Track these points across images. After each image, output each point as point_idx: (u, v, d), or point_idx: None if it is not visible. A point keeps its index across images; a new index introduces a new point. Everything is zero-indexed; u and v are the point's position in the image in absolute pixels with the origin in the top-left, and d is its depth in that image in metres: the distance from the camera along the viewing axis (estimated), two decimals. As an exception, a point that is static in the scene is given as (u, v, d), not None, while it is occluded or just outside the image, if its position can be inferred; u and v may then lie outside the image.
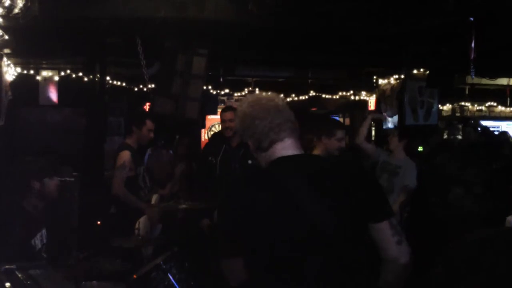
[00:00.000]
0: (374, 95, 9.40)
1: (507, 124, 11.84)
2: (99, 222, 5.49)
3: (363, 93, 10.32)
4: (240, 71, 9.21)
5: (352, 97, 10.48)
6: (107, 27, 5.43)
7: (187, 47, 5.65)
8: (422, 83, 7.29)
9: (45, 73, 7.95)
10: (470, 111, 12.20)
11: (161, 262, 3.66)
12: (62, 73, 7.94)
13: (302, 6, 4.95)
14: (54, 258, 3.40)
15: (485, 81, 9.54)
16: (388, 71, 8.17)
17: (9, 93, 6.39)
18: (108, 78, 7.66)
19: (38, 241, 3.38)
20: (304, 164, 2.01)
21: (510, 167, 7.10)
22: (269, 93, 2.17)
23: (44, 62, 7.92)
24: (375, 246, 2.02)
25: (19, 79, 7.29)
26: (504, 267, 1.34)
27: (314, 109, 11.22)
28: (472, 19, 4.82)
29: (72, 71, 7.82)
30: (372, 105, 10.15)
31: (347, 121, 11.96)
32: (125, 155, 5.04)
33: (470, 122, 8.85)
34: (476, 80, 9.37)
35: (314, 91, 10.06)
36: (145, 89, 8.21)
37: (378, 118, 8.73)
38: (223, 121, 4.93)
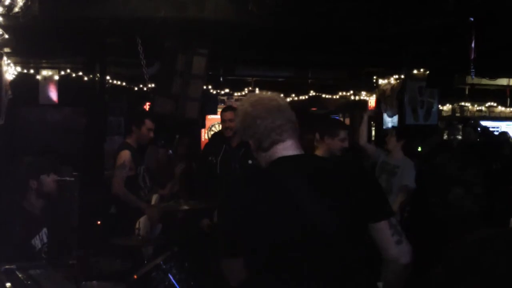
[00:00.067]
0: (374, 95, 9.40)
1: (507, 125, 11.83)
2: (99, 222, 5.49)
3: (363, 93, 10.32)
4: (240, 71, 9.21)
5: (352, 97, 10.48)
6: (107, 27, 5.43)
7: (187, 47, 5.65)
8: (422, 83, 7.29)
9: (45, 73, 7.95)
10: (470, 112, 12.20)
11: (161, 262, 3.66)
12: (62, 73, 7.95)
13: (302, 6, 4.95)
14: (54, 258, 3.40)
15: (485, 81, 9.54)
16: (388, 71, 8.17)
17: (9, 92, 6.40)
18: (108, 77, 7.67)
19: (38, 241, 3.38)
20: (304, 164, 2.01)
21: (510, 167, 7.10)
22: (269, 92, 2.15)
23: (44, 61, 7.92)
24: (375, 246, 2.02)
25: (19, 78, 7.30)
26: (504, 267, 1.34)
27: (314, 109, 11.21)
28: (472, 19, 4.83)
29: (72, 70, 7.82)
30: (372, 105, 10.15)
31: (347, 121, 11.95)
32: (125, 155, 5.03)
33: (470, 122, 8.85)
34: (476, 80, 9.37)
35: (314, 91, 10.06)
36: (145, 89, 8.22)
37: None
38: (223, 121, 4.93)
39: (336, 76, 9.62)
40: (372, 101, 10.13)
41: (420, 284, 2.03)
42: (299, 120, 2.11)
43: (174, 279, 3.62)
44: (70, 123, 8.27)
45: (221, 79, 9.35)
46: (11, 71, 6.88)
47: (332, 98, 10.57)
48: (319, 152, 4.13)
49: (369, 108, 10.31)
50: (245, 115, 2.05)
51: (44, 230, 3.49)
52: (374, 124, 9.96)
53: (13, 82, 6.85)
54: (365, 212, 1.96)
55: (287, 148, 2.01)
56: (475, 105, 12.04)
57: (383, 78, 8.43)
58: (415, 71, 7.51)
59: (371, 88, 9.41)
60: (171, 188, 5.76)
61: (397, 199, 4.97)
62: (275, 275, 1.87)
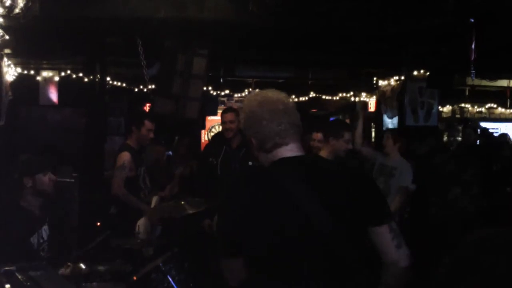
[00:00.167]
0: (374, 96, 9.40)
1: (506, 126, 11.82)
2: (99, 223, 5.49)
3: (363, 94, 10.31)
4: (240, 72, 9.21)
5: (352, 99, 10.48)
6: (107, 27, 5.43)
7: (187, 47, 5.65)
8: (423, 83, 7.29)
9: (46, 74, 7.96)
10: (470, 113, 12.19)
11: (161, 264, 3.65)
12: (63, 74, 7.95)
13: (302, 6, 4.95)
14: (54, 258, 3.39)
15: (485, 82, 9.54)
16: (388, 72, 8.17)
17: (10, 93, 6.40)
18: (108, 78, 7.67)
19: (36, 239, 3.38)
20: (304, 165, 2.00)
21: (510, 168, 7.10)
22: (276, 91, 2.09)
23: (44, 62, 7.92)
24: (375, 249, 2.02)
25: (20, 79, 7.30)
26: (504, 267, 1.34)
27: (314, 110, 11.22)
28: (472, 20, 4.82)
29: (73, 71, 7.82)
30: (372, 107, 10.14)
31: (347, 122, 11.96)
32: (125, 156, 5.03)
33: (470, 123, 8.85)
34: (476, 81, 9.37)
35: (314, 92, 10.06)
36: (145, 90, 8.22)
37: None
38: (223, 122, 4.94)
39: (336, 76, 9.62)
40: (372, 102, 10.12)
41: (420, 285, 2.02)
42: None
43: (173, 280, 3.61)
44: (70, 123, 8.29)
45: (221, 80, 9.36)
46: (11, 72, 6.88)
47: (332, 100, 10.57)
48: (323, 153, 4.13)
49: (369, 110, 10.30)
50: (251, 113, 2.03)
51: (44, 228, 3.48)
52: (374, 125, 9.96)
53: (13, 83, 6.85)
54: (365, 214, 1.95)
55: (289, 150, 2.01)
56: (475, 107, 12.04)
57: (383, 79, 8.43)
58: (415, 72, 7.51)
59: (371, 89, 9.41)
60: (170, 190, 5.76)
61: (395, 201, 4.98)
62: (274, 274, 1.87)
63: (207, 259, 4.41)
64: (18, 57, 7.17)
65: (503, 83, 10.41)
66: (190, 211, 4.32)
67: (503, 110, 12.04)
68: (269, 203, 1.87)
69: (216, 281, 2.41)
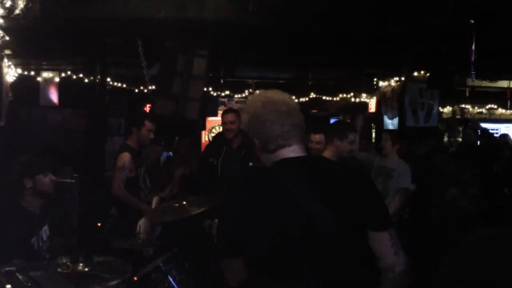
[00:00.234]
0: (375, 97, 9.40)
1: (506, 126, 11.83)
2: (99, 224, 5.49)
3: (364, 95, 10.32)
4: (240, 72, 9.21)
5: (353, 99, 10.48)
6: (107, 27, 5.43)
7: (187, 47, 5.65)
8: (423, 84, 7.30)
9: (46, 74, 7.96)
10: (471, 113, 12.20)
11: (161, 264, 3.65)
12: (63, 74, 7.96)
13: (302, 6, 4.95)
14: (54, 258, 3.39)
15: (485, 83, 9.55)
16: (389, 73, 8.17)
17: (10, 94, 6.39)
18: (108, 79, 7.67)
19: (37, 239, 3.38)
20: (307, 165, 2.01)
21: (511, 169, 7.11)
22: (280, 92, 2.09)
23: (44, 63, 7.93)
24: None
25: (20, 80, 7.30)
26: (504, 267, 1.34)
27: (314, 111, 11.22)
28: (472, 21, 4.82)
29: (73, 72, 7.83)
30: (372, 107, 10.15)
31: (347, 123, 11.94)
32: (125, 156, 5.04)
33: (470, 124, 8.85)
34: (476, 82, 9.37)
35: (315, 93, 10.07)
36: (145, 91, 8.22)
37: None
38: (224, 123, 4.94)
39: (336, 76, 9.62)
40: (372, 103, 10.12)
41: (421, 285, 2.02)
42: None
43: (174, 280, 3.61)
44: (70, 124, 8.29)
45: (222, 81, 9.36)
46: (11, 73, 6.88)
47: (332, 100, 10.58)
48: (327, 154, 4.13)
49: (369, 110, 10.30)
50: (254, 113, 2.02)
51: (44, 229, 3.48)
52: (374, 126, 9.96)
53: (13, 84, 6.85)
54: (365, 215, 1.95)
55: (292, 151, 2.01)
56: (476, 107, 12.05)
57: (384, 80, 8.43)
58: (415, 73, 7.51)
59: (372, 90, 9.41)
60: (170, 190, 5.76)
61: (395, 201, 4.98)
62: (275, 275, 1.87)
63: (208, 259, 4.40)
64: (19, 58, 7.18)
65: (504, 83, 10.42)
66: (193, 213, 4.31)
67: (503, 111, 12.05)
68: (271, 204, 1.87)
69: (217, 282, 2.41)
